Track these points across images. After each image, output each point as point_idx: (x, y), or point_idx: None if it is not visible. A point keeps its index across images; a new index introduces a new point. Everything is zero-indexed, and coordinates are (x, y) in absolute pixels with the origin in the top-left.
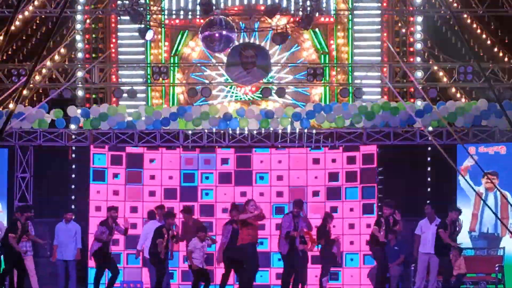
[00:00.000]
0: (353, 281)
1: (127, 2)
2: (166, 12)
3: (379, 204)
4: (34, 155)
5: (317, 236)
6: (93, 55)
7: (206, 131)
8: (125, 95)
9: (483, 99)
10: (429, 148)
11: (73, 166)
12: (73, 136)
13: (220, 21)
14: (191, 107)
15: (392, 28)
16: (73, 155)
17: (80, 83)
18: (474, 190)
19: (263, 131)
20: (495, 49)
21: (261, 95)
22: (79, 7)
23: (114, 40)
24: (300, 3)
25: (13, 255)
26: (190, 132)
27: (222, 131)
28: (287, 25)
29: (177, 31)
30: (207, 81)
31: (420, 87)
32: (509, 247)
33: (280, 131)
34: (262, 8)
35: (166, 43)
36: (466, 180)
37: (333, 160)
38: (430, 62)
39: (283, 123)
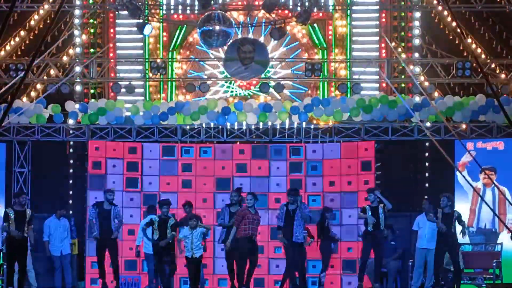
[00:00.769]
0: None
1: None
2: (164, 7)
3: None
4: (32, 150)
5: (316, 231)
6: (91, 50)
7: (204, 125)
8: (123, 90)
9: (481, 94)
10: (427, 144)
11: (71, 161)
12: (71, 131)
13: (218, 16)
14: (189, 102)
15: (390, 24)
16: (71, 150)
17: (78, 78)
18: (472, 186)
19: (261, 126)
20: (493, 45)
21: (259, 90)
22: (78, 2)
23: (112, 35)
24: None
25: (10, 247)
26: (188, 127)
27: (220, 126)
28: (285, 20)
29: (175, 26)
30: (205, 76)
31: (418, 82)
32: (507, 242)
33: (278, 126)
34: (261, 3)
35: (164, 38)
36: (463, 175)
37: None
38: (428, 58)
39: (281, 117)
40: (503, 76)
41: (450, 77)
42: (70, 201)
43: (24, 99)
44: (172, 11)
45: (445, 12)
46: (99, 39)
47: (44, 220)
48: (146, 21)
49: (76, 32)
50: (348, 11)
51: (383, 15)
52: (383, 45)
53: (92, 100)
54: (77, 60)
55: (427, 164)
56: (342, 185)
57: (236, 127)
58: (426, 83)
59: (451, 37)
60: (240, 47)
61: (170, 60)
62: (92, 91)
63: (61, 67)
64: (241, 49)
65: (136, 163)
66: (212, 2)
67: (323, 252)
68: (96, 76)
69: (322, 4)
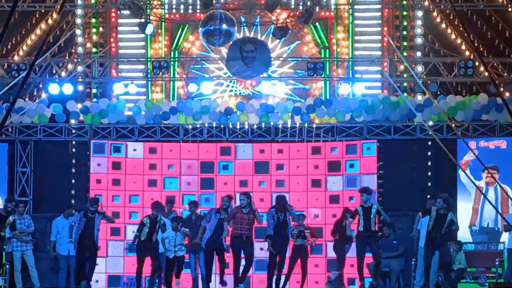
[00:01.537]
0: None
1: None
2: (166, 6)
3: (380, 198)
4: (34, 149)
5: (332, 230)
6: (93, 50)
7: (206, 125)
8: (125, 89)
9: (484, 93)
10: (430, 143)
11: (73, 161)
12: (73, 131)
13: (220, 15)
14: (191, 101)
15: (393, 23)
16: (73, 150)
17: (80, 77)
18: (475, 185)
19: (263, 126)
20: (496, 43)
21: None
22: (80, 1)
23: (114, 35)
24: None
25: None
26: (190, 126)
27: (222, 126)
28: (288, 20)
29: (177, 25)
30: (207, 76)
31: (421, 81)
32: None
33: (280, 126)
34: (263, 2)
35: (166, 37)
36: (466, 174)
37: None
38: (430, 57)
39: (284, 117)
40: (505, 74)
41: (452, 76)
42: (73, 201)
43: (26, 99)
44: (174, 11)
45: (447, 11)
46: (101, 38)
47: (49, 219)
48: (148, 20)
49: (78, 32)
50: (350, 10)
51: (385, 14)
52: (385, 44)
53: (94, 99)
54: (79, 60)
55: (429, 163)
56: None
57: (238, 127)
58: (429, 82)
59: (453, 36)
60: (242, 46)
61: (172, 59)
62: (94, 90)
63: (63, 66)
64: (243, 48)
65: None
66: (214, 2)
67: (336, 251)
68: (98, 75)
69: (324, 3)
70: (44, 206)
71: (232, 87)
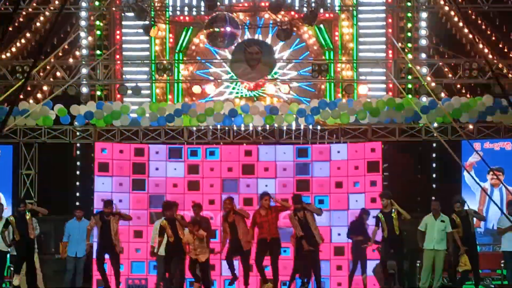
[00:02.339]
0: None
1: None
2: (170, 8)
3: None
4: (38, 152)
5: (350, 231)
6: (98, 52)
7: (211, 127)
8: (129, 91)
9: (488, 95)
10: (434, 145)
11: (78, 163)
12: (78, 133)
13: (225, 17)
14: (195, 103)
15: (397, 24)
16: (78, 152)
17: (84, 80)
18: (480, 186)
19: (267, 128)
20: (500, 45)
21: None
22: (83, 4)
23: (118, 37)
24: None
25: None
26: (194, 128)
27: (226, 128)
28: (292, 21)
29: (181, 28)
30: (212, 78)
31: (425, 83)
32: None
33: (284, 128)
34: (267, 4)
35: (171, 40)
36: (471, 176)
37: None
38: (435, 58)
39: (288, 119)
40: (510, 76)
41: (457, 78)
42: (77, 203)
43: (31, 101)
44: (178, 13)
45: (452, 12)
46: (105, 41)
47: (54, 222)
48: (153, 22)
49: (83, 34)
50: (355, 12)
51: (390, 15)
52: (389, 46)
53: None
54: (83, 62)
55: (434, 165)
56: (349, 186)
57: (242, 128)
58: (433, 84)
59: (458, 38)
60: (246, 48)
61: (176, 61)
62: (98, 93)
63: (67, 69)
64: (248, 51)
65: (143, 165)
66: (218, 4)
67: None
68: (103, 78)
69: (329, 5)
70: (48, 209)
71: (237, 88)
